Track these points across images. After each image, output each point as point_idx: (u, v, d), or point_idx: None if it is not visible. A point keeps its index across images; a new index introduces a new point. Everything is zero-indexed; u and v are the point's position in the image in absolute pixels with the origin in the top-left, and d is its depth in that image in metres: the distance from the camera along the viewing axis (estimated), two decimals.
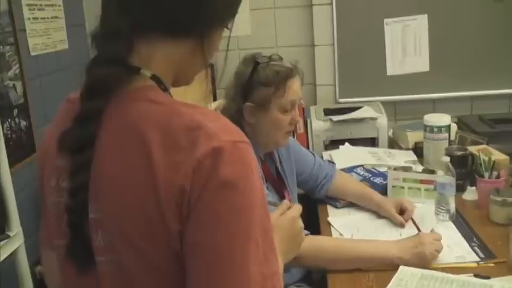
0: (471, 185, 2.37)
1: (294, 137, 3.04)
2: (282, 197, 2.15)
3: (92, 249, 0.96)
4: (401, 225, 2.14)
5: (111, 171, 0.93)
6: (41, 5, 2.82)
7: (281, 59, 2.06)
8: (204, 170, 0.87)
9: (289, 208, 1.38)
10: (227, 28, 1.08)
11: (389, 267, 1.80)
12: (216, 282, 0.88)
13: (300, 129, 3.17)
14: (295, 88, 2.05)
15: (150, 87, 0.98)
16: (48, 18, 2.90)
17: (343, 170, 2.62)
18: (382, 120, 3.10)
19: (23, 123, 2.60)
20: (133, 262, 0.93)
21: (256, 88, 2.02)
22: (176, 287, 0.93)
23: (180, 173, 0.87)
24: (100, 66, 0.95)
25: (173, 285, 0.93)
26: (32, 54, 2.74)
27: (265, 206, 0.94)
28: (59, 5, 3.04)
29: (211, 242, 0.88)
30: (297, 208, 1.39)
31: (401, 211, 2.20)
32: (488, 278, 1.71)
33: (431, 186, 2.26)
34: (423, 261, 1.82)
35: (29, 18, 2.69)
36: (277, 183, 2.18)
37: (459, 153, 2.45)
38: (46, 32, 2.87)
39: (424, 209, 2.24)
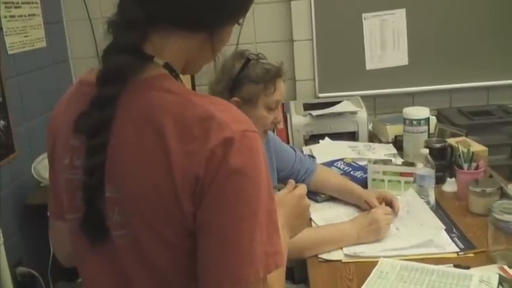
0: (451, 177, 2.39)
1: (274, 133, 3.05)
2: None
3: (105, 225, 1.02)
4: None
5: (127, 156, 0.99)
6: (17, 2, 2.79)
7: (265, 58, 2.10)
8: (216, 158, 0.94)
9: (295, 187, 1.43)
10: (238, 24, 1.14)
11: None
12: (224, 260, 0.95)
13: (280, 125, 3.17)
14: (281, 88, 2.10)
15: (163, 75, 1.03)
16: (25, 16, 2.87)
17: (323, 164, 2.62)
18: (362, 114, 3.11)
19: (1, 122, 2.58)
20: (148, 238, 1.00)
21: (245, 84, 2.03)
22: (187, 260, 1.00)
23: (195, 162, 0.94)
24: (115, 53, 1.00)
25: (185, 257, 1.00)
26: (10, 52, 2.71)
27: (270, 190, 1.00)
28: (36, 3, 3.01)
29: (221, 223, 0.95)
30: (303, 187, 1.43)
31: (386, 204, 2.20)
32: (468, 268, 1.72)
33: (411, 179, 2.27)
34: (378, 236, 1.98)
35: (5, 17, 2.66)
36: None
37: (438, 145, 2.46)
38: (23, 30, 2.85)
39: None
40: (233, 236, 0.95)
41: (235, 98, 2.03)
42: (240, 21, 1.14)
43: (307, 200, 1.42)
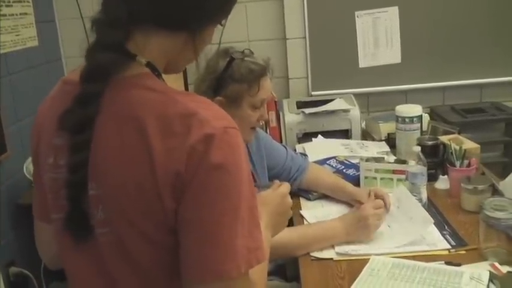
0: (443, 174, 2.39)
1: (266, 131, 3.05)
2: None
3: (89, 222, 1.03)
4: None
5: (110, 153, 1.00)
6: (9, 1, 2.78)
7: (252, 53, 2.07)
8: (197, 154, 0.95)
9: (279, 186, 1.45)
10: (220, 25, 1.16)
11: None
12: (205, 255, 0.96)
13: (273, 123, 3.17)
14: (266, 86, 2.07)
15: (146, 74, 1.04)
16: (16, 14, 2.86)
17: (316, 162, 2.61)
18: (355, 112, 3.12)
19: None
20: (131, 235, 1.01)
21: (229, 83, 2.01)
22: (170, 256, 1.01)
23: (176, 158, 0.95)
24: (99, 51, 1.01)
25: (168, 254, 1.02)
26: (1, 51, 2.70)
27: (251, 186, 1.02)
28: (28, 1, 3.00)
29: (202, 219, 0.96)
30: (287, 186, 1.46)
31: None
32: (459, 265, 1.72)
33: (403, 176, 2.27)
34: (367, 233, 1.97)
35: None
36: None
37: (430, 142, 2.47)
38: (15, 29, 2.84)
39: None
40: (214, 231, 0.96)
41: (219, 98, 2.01)
42: (223, 22, 1.15)
43: (289, 199, 1.45)
